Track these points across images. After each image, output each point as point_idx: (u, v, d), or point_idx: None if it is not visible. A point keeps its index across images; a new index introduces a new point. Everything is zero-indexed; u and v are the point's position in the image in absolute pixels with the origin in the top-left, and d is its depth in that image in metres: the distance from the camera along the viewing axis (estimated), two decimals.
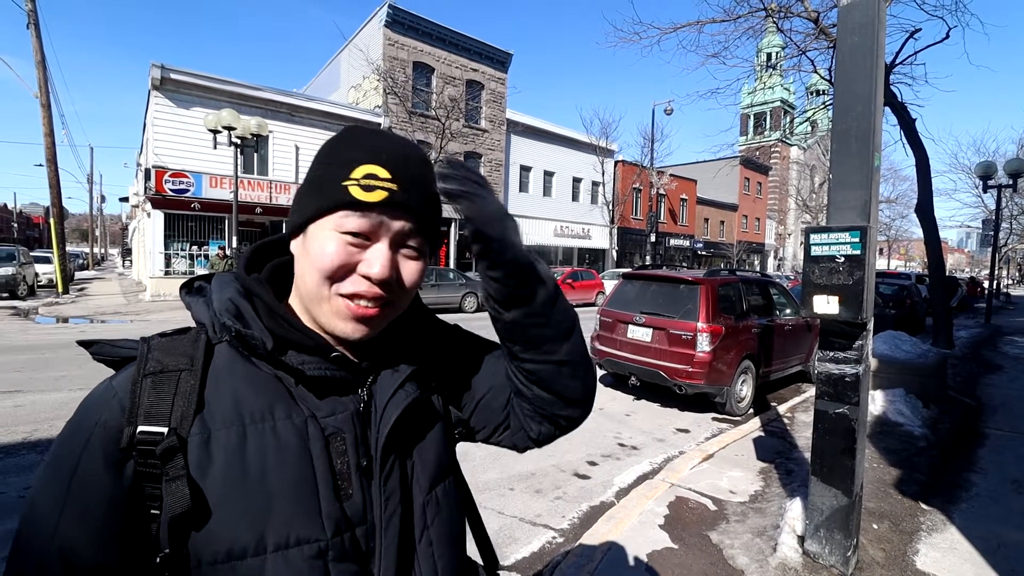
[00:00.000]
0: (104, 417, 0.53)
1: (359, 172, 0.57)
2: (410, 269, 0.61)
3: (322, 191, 0.58)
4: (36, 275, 15.36)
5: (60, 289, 14.49)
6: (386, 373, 0.65)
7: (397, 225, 0.59)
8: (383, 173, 0.57)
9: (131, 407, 0.53)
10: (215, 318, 0.60)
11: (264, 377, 0.59)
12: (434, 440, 0.68)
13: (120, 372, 0.57)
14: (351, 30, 22.92)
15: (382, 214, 0.58)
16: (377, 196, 0.57)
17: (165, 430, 0.52)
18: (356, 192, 0.56)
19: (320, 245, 0.57)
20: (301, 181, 0.64)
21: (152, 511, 0.52)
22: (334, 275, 0.57)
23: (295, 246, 0.62)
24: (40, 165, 12.40)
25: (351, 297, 0.58)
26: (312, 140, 17.06)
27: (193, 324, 0.63)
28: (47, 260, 16.90)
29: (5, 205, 59.40)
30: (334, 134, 0.63)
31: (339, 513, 0.56)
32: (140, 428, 0.52)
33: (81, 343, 0.59)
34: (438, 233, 0.65)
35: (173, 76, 14.54)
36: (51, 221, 11.98)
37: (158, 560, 0.52)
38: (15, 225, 56.81)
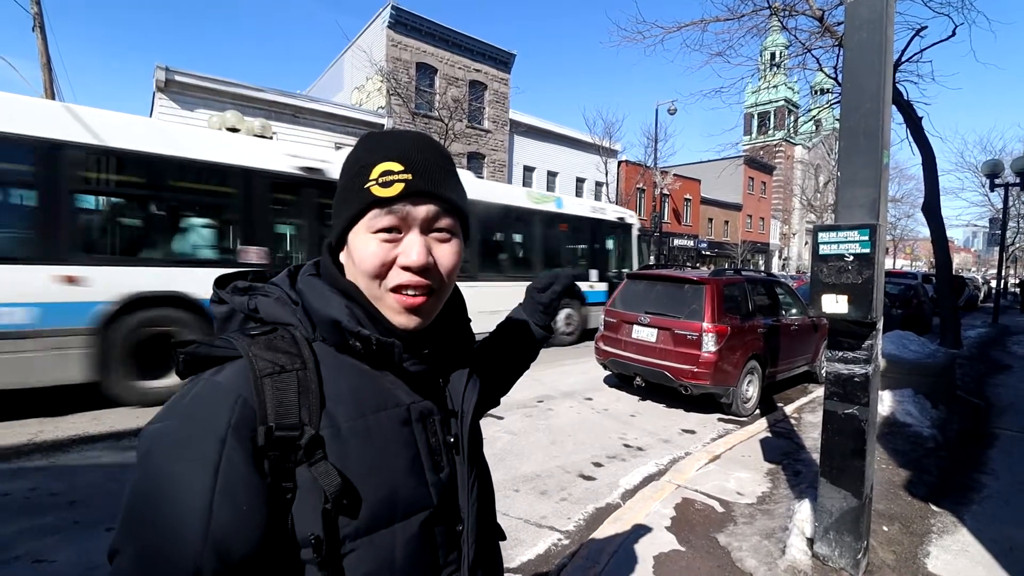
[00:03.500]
0: (234, 418, 0.55)
1: (376, 172, 0.62)
2: (444, 252, 0.66)
3: (349, 200, 0.64)
4: None
5: None
6: (453, 363, 0.75)
7: (421, 212, 0.64)
8: (397, 167, 0.63)
9: (259, 407, 0.56)
10: (334, 322, 0.63)
11: (365, 371, 0.65)
12: (478, 419, 0.80)
13: (222, 371, 0.58)
14: (354, 31, 22.97)
15: (405, 205, 0.63)
16: (396, 189, 0.62)
17: (299, 426, 0.57)
18: (377, 191, 0.62)
19: (360, 249, 0.64)
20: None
21: (288, 503, 0.56)
22: (379, 273, 0.63)
23: (344, 259, 0.68)
24: None
25: (399, 290, 0.64)
26: (316, 141, 17.10)
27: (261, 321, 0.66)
28: None
29: None
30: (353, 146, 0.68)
31: (439, 482, 0.66)
32: (275, 425, 0.55)
33: (176, 344, 0.60)
34: (466, 213, 0.71)
35: (177, 78, 14.57)
36: None
37: (312, 539, 0.55)
38: None
